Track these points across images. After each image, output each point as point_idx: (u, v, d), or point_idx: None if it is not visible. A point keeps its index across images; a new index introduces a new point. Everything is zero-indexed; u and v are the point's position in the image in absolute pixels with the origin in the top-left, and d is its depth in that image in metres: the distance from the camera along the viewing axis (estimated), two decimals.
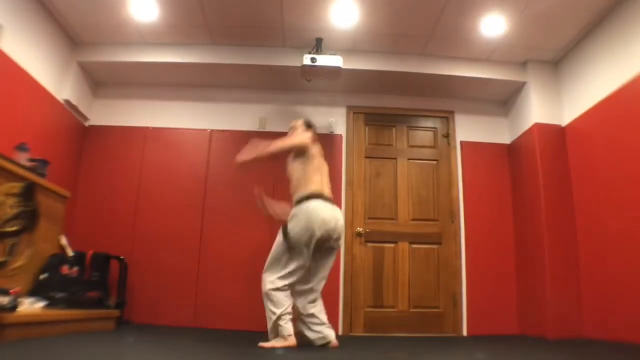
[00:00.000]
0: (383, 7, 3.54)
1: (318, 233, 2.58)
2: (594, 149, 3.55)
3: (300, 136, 2.86)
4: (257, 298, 3.87)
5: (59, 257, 3.13)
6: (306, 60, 3.71)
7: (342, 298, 3.95)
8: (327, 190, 2.78)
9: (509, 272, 4.09)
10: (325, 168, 2.89)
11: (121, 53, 4.09)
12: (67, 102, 3.96)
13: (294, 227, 2.62)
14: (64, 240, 3.32)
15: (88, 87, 4.29)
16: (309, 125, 3.03)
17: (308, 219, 2.59)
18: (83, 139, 4.27)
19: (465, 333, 3.93)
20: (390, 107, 4.48)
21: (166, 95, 4.46)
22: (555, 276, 3.61)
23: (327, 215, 2.63)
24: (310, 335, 2.66)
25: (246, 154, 2.80)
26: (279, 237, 2.70)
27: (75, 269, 3.17)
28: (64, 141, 4.00)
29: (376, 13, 3.62)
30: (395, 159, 4.35)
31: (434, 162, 4.38)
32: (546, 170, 3.84)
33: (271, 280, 2.63)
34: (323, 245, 2.67)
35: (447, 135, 4.44)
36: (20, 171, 2.73)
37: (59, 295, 2.80)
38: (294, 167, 2.83)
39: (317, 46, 3.91)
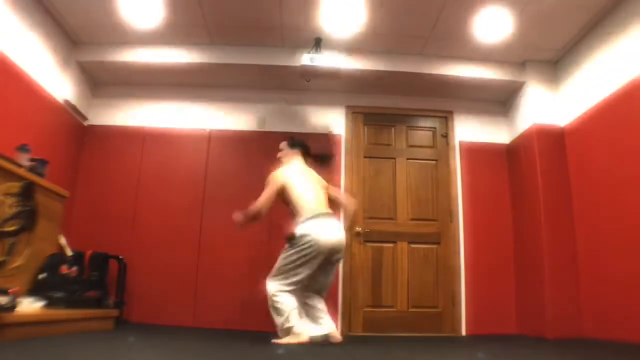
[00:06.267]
0: (382, 7, 3.54)
1: (323, 249, 2.70)
2: (593, 149, 3.56)
3: (265, 194, 2.89)
4: (255, 298, 3.89)
5: (58, 257, 3.13)
6: (305, 60, 3.71)
7: (341, 298, 3.95)
8: (321, 207, 2.85)
9: (508, 271, 4.09)
10: (310, 183, 2.95)
11: (120, 53, 4.08)
12: (66, 102, 3.96)
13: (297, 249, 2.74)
14: (62, 240, 3.31)
15: (87, 87, 4.29)
16: (293, 144, 3.18)
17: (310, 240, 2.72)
18: (82, 139, 4.26)
19: (464, 333, 3.93)
20: (389, 107, 4.48)
21: (165, 95, 4.46)
22: (555, 276, 3.61)
23: (328, 233, 2.75)
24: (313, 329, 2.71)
25: (238, 218, 2.87)
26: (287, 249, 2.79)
27: (74, 268, 3.16)
28: (63, 141, 3.99)
29: (375, 13, 3.62)
30: (394, 158, 4.35)
31: (433, 162, 4.38)
32: (545, 170, 3.84)
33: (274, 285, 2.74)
34: (327, 260, 2.77)
35: (446, 135, 4.44)
36: (19, 171, 2.73)
37: (58, 294, 2.80)
38: (284, 202, 2.95)
39: (316, 46, 3.91)
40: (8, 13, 3.19)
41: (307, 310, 2.78)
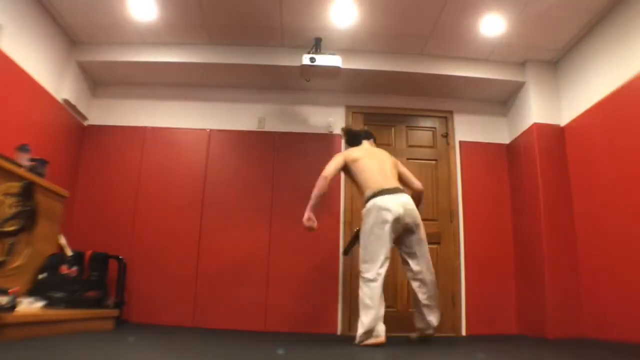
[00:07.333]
0: (382, 6, 3.54)
1: (389, 219, 2.79)
2: (593, 148, 3.56)
3: (324, 175, 3.04)
4: (255, 298, 3.91)
5: (58, 257, 3.13)
6: (305, 60, 3.71)
7: (342, 298, 3.95)
8: (384, 184, 2.93)
9: (508, 271, 4.09)
10: (374, 162, 3.08)
11: (120, 53, 4.08)
12: (66, 101, 3.96)
13: (365, 223, 2.88)
14: (62, 240, 3.31)
15: (87, 87, 4.29)
16: (347, 134, 3.44)
17: (374, 214, 2.84)
18: (82, 139, 4.26)
19: (464, 333, 3.93)
20: (389, 106, 4.48)
21: (165, 95, 4.46)
22: (555, 276, 3.61)
23: (390, 204, 2.83)
24: (419, 324, 2.97)
25: (307, 213, 2.96)
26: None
27: (74, 268, 3.16)
28: (63, 141, 3.99)
29: (375, 13, 3.62)
30: None
31: (433, 162, 4.38)
32: (545, 170, 3.84)
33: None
34: (403, 232, 2.90)
35: (446, 135, 4.44)
36: (19, 171, 2.73)
37: (58, 295, 2.80)
38: (350, 179, 3.21)
39: (316, 46, 3.91)
40: (8, 13, 3.19)
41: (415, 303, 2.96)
